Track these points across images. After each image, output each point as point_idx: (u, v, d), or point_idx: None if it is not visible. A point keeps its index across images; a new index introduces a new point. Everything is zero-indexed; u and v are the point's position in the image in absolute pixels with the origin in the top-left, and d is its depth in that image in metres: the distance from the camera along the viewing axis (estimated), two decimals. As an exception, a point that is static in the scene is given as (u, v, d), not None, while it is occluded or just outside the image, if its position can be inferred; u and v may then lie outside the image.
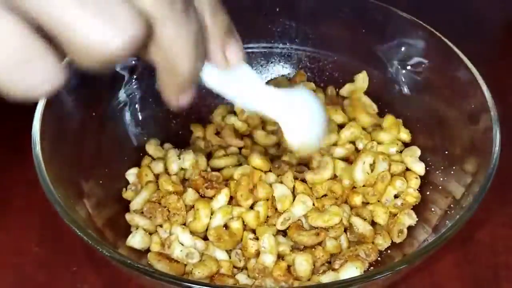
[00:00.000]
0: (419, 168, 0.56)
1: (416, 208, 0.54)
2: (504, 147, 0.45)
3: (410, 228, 0.52)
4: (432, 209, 0.51)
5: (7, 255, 0.55)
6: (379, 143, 0.59)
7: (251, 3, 0.65)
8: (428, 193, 0.54)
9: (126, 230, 0.53)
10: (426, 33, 0.57)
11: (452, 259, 0.55)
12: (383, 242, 0.51)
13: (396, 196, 0.54)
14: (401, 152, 0.58)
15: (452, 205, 0.47)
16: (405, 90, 0.61)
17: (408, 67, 0.60)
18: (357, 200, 0.53)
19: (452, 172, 0.51)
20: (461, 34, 0.61)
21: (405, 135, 0.59)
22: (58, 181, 0.44)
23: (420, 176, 0.56)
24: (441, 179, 0.52)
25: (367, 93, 0.65)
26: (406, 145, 0.60)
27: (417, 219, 0.52)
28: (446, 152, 0.53)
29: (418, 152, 0.57)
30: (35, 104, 0.46)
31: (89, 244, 0.39)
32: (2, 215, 0.58)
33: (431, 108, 0.57)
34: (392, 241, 0.52)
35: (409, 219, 0.52)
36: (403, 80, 0.61)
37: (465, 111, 0.52)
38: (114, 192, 0.54)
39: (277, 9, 0.67)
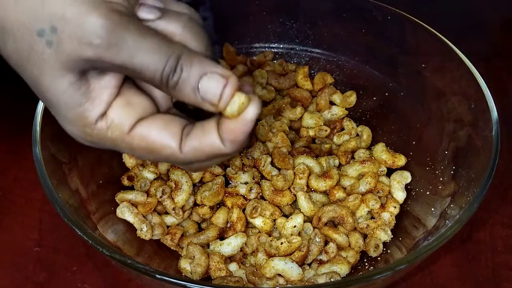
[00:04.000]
0: (400, 196, 0.55)
1: (417, 208, 0.54)
2: (504, 147, 0.45)
3: (410, 229, 0.52)
4: (432, 209, 0.51)
5: (7, 255, 0.55)
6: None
7: (252, 4, 0.65)
8: (428, 192, 0.54)
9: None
10: (426, 32, 0.57)
11: (452, 259, 0.55)
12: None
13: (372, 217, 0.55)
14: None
15: (451, 205, 0.47)
16: (405, 89, 0.61)
17: (408, 67, 0.60)
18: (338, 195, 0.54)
19: (452, 172, 0.51)
20: (461, 34, 0.61)
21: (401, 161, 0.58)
22: (58, 181, 0.44)
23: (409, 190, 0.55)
24: (441, 178, 0.52)
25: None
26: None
27: (392, 236, 0.52)
28: (446, 152, 0.53)
29: (408, 179, 0.56)
30: (35, 105, 0.46)
31: (89, 244, 0.39)
32: (2, 215, 0.58)
33: (430, 107, 0.57)
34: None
35: (384, 235, 0.52)
36: (403, 80, 0.61)
37: (465, 111, 0.52)
38: (114, 191, 0.54)
39: (277, 9, 0.67)
